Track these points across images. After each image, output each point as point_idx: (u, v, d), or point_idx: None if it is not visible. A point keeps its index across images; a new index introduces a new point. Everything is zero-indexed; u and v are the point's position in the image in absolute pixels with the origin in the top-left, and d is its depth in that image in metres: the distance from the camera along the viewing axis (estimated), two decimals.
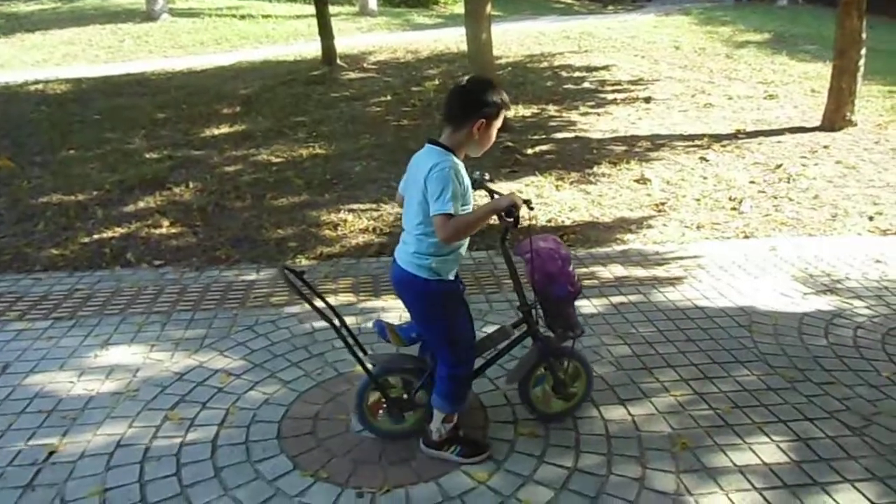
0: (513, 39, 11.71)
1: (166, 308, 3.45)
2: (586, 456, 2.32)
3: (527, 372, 2.38)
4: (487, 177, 2.37)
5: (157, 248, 4.28)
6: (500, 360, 2.42)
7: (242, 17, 14.62)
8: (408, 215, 2.13)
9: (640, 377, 2.83)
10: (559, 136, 6.77)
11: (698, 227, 4.75)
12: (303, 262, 4.12)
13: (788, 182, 5.67)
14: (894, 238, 4.58)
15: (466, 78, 2.16)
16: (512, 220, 2.08)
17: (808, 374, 2.86)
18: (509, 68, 9.64)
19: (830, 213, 5.03)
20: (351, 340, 2.24)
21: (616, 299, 3.59)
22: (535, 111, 7.55)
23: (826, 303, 3.55)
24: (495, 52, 10.70)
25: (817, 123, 7.22)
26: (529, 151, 6.27)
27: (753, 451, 2.35)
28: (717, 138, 6.81)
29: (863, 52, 6.90)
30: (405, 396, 2.32)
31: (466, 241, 2.17)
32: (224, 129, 6.86)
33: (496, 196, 2.22)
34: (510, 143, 6.35)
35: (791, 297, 3.63)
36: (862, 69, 7.00)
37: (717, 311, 3.47)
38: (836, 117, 7.04)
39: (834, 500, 2.11)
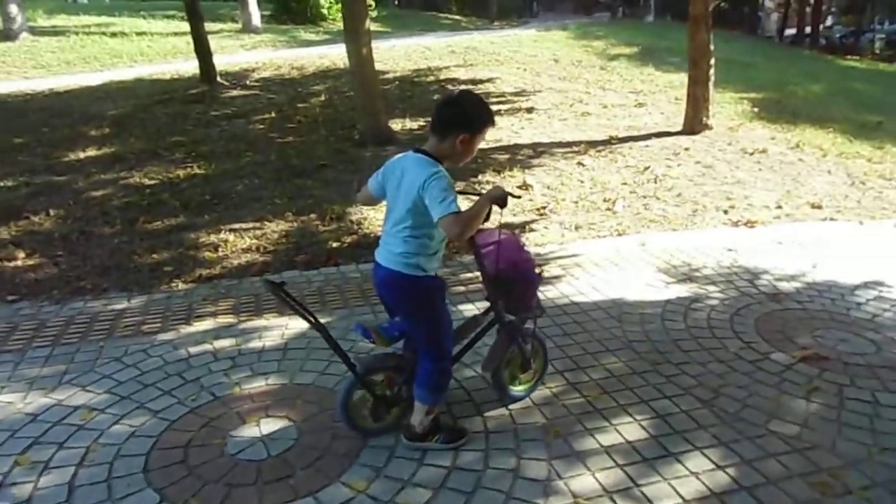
0: (400, 55, 11.85)
1: (20, 346, 3.18)
2: (465, 454, 2.38)
3: (499, 357, 2.54)
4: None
5: (10, 282, 3.93)
6: (471, 348, 2.56)
7: (113, 34, 13.81)
8: (394, 218, 2.19)
9: None
10: None
11: (576, 228, 5.02)
12: (180, 285, 3.94)
13: (655, 182, 6.13)
14: (744, 229, 5.06)
15: (456, 91, 2.25)
16: (502, 209, 2.22)
17: (669, 356, 3.10)
18: (396, 83, 9.76)
19: (692, 209, 5.49)
20: (333, 343, 2.27)
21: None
22: (422, 124, 7.67)
23: (686, 290, 3.86)
24: (383, 67, 10.83)
25: (679, 128, 7.87)
26: None
27: (618, 432, 2.50)
28: (593, 144, 7.24)
29: (712, 62, 7.61)
30: (388, 393, 2.40)
31: (445, 240, 2.27)
32: (91, 153, 6.42)
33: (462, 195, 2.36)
34: None
35: (656, 287, 3.91)
36: (713, 78, 7.71)
37: (592, 304, 3.68)
38: (694, 122, 7.70)
39: (685, 466, 2.30)
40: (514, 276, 2.44)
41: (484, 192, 2.23)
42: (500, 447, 2.41)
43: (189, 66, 10.59)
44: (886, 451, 2.37)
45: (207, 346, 3.17)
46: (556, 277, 4.08)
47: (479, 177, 6.02)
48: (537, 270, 2.54)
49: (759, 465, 2.29)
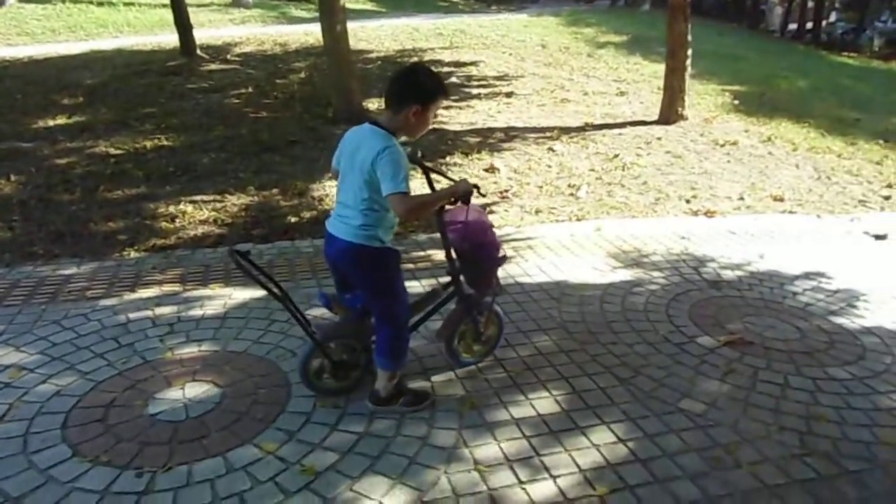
0: (387, 34, 11.81)
1: None
2: (379, 421, 2.45)
3: (454, 327, 2.68)
4: (420, 154, 2.54)
5: None
6: (429, 318, 2.68)
7: (100, 4, 13.68)
8: (350, 192, 2.22)
9: None
10: None
11: (537, 212, 5.08)
12: (132, 254, 3.99)
13: (623, 170, 6.17)
14: (703, 218, 5.12)
15: (410, 63, 2.27)
16: (466, 203, 2.31)
17: (599, 336, 3.17)
18: (379, 62, 9.73)
19: (655, 198, 5.54)
20: (295, 310, 2.36)
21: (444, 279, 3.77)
22: None
23: (630, 274, 3.93)
24: (367, 47, 10.81)
25: (656, 118, 7.90)
26: None
27: (532, 405, 2.58)
28: (567, 131, 7.27)
29: (689, 52, 7.62)
30: (345, 358, 2.50)
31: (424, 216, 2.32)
32: (61, 121, 6.43)
33: (432, 174, 2.52)
34: None
35: (602, 270, 3.98)
36: (689, 69, 7.73)
37: (534, 286, 3.74)
38: (669, 112, 7.73)
39: (588, 439, 2.38)
40: (479, 256, 2.53)
41: (454, 176, 2.29)
42: (414, 417, 2.48)
43: (172, 39, 10.53)
44: (785, 430, 2.45)
45: (148, 313, 3.22)
46: (506, 259, 4.13)
47: (448, 158, 6.06)
48: (501, 253, 2.63)
49: (660, 440, 2.37)
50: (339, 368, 2.51)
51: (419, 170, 2.55)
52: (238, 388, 2.61)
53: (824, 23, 29.48)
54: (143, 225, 4.37)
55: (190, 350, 2.90)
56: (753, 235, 4.70)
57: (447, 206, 2.39)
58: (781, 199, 5.65)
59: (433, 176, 2.58)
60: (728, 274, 3.98)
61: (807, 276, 3.99)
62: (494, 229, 2.63)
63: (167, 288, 3.52)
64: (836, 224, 5.07)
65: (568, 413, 2.54)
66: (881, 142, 7.84)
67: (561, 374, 2.82)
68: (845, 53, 21.43)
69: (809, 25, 27.99)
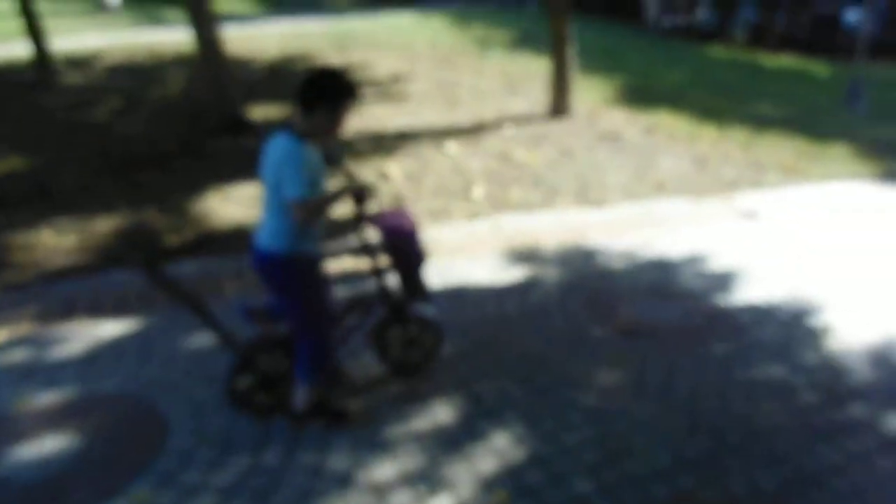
0: (271, 38, 11.38)
1: None
2: (267, 450, 2.28)
3: (380, 333, 2.64)
4: (340, 155, 2.47)
5: None
6: (359, 330, 2.57)
7: None
8: (266, 199, 2.19)
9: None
10: None
11: (432, 215, 5.03)
12: None
13: (516, 168, 6.27)
14: (593, 210, 5.28)
15: (318, 67, 2.22)
16: (362, 202, 2.27)
17: (498, 336, 3.15)
18: (267, 67, 9.35)
19: (547, 193, 5.66)
20: (214, 323, 2.26)
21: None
22: (287, 111, 7.41)
23: (527, 271, 3.96)
24: (250, 52, 10.36)
25: (545, 114, 8.11)
26: None
27: (431, 416, 2.51)
28: (460, 131, 7.30)
29: (573, 48, 7.88)
30: (271, 373, 2.39)
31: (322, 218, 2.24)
32: None
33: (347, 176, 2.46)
34: (252, 147, 6.14)
35: (499, 269, 3.98)
36: (573, 64, 7.99)
37: (433, 290, 3.67)
38: (557, 108, 7.96)
39: (487, 445, 2.34)
40: (402, 257, 2.47)
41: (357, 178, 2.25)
42: (304, 441, 2.34)
43: (28, 50, 9.59)
44: (673, 411, 2.54)
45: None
46: (426, 256, 4.06)
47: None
48: (423, 254, 2.57)
49: (557, 437, 2.38)
50: (268, 382, 2.40)
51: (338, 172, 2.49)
52: (106, 434, 2.36)
53: (695, 16, 31.78)
54: None
55: (50, 396, 2.59)
56: (639, 223, 4.90)
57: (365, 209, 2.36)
58: (663, 186, 5.95)
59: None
60: (617, 262, 4.11)
61: (691, 260, 4.19)
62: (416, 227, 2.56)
63: (23, 328, 3.14)
64: (712, 207, 5.40)
65: (467, 419, 2.49)
66: (749, 127, 8.49)
67: (461, 379, 2.78)
68: (714, 44, 23.16)
69: (683, 18, 30.02)
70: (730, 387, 2.71)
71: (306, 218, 2.09)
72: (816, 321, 3.34)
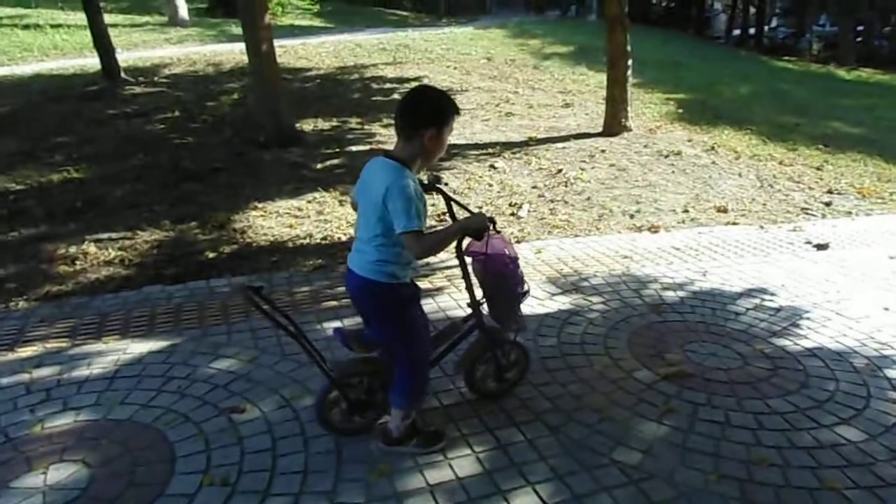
0: (328, 51, 11.52)
1: None
2: (272, 501, 2.14)
3: (473, 361, 2.58)
4: (440, 180, 2.46)
5: None
6: (449, 353, 2.51)
7: (26, 27, 13.03)
8: (365, 227, 2.13)
9: None
10: (354, 149, 6.66)
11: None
12: (20, 304, 3.58)
13: (566, 186, 6.00)
14: (646, 234, 4.97)
15: (413, 88, 2.17)
16: (480, 240, 2.20)
17: (532, 376, 2.91)
18: (318, 81, 9.43)
19: (598, 214, 5.37)
20: (310, 348, 2.24)
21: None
22: (336, 124, 7.40)
23: (569, 302, 3.71)
24: (306, 65, 10.50)
25: (600, 130, 7.80)
26: (318, 167, 6.08)
27: (451, 466, 2.30)
28: (510, 146, 7.09)
29: (629, 63, 7.55)
30: (363, 398, 2.38)
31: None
32: None
33: (455, 205, 2.44)
34: (298, 160, 6.13)
35: (540, 298, 3.75)
36: (631, 79, 7.66)
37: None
38: (613, 123, 7.64)
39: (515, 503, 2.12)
40: (499, 289, 2.41)
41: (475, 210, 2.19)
42: (313, 491, 2.18)
43: (98, 62, 10.03)
44: (724, 478, 2.24)
45: (23, 377, 2.84)
46: (439, 289, 3.89)
47: None
48: (525, 287, 2.48)
49: (589, 501, 2.13)
50: (356, 407, 2.37)
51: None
52: (111, 468, 2.26)
53: (766, 28, 30.48)
54: (37, 270, 3.96)
55: (64, 421, 2.53)
56: (697, 251, 4.56)
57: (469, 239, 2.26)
58: (725, 210, 5.55)
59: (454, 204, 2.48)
60: (670, 295, 3.80)
61: (749, 293, 3.83)
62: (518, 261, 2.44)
63: (52, 344, 3.13)
64: (778, 235, 4.98)
65: (490, 474, 2.27)
66: (820, 146, 7.91)
67: (486, 425, 2.55)
68: (786, 58, 22.09)
69: (752, 31, 28.87)
70: (793, 454, 2.38)
71: (423, 253, 2.06)
72: None
